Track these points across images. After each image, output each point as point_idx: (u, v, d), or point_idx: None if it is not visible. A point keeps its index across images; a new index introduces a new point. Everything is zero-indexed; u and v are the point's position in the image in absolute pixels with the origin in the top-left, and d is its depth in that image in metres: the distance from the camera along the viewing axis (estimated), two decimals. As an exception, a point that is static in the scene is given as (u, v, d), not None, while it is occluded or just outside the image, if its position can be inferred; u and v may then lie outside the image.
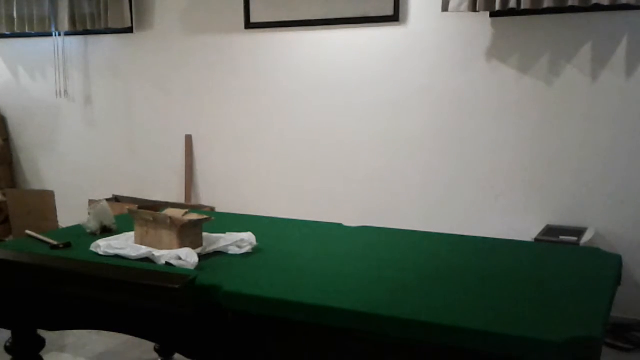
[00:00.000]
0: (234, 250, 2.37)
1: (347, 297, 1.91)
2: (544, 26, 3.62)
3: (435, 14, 3.83)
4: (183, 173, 4.80)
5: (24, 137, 5.49)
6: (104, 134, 5.09)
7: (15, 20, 5.08)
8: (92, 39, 5.05)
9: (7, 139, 5.52)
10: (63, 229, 3.04)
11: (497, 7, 3.51)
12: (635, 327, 3.43)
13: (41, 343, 2.47)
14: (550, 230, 3.56)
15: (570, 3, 3.35)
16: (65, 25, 4.88)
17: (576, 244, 3.27)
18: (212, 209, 4.38)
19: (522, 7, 3.44)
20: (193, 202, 4.76)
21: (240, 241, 2.40)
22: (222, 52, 4.57)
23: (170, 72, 4.77)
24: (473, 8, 3.58)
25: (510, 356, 1.62)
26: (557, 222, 3.68)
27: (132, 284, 2.05)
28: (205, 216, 2.43)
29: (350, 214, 4.04)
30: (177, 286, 1.99)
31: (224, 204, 4.55)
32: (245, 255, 2.35)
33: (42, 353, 2.48)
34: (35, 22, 5.01)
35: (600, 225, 3.59)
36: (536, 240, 3.37)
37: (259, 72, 4.46)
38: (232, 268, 2.22)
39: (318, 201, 4.33)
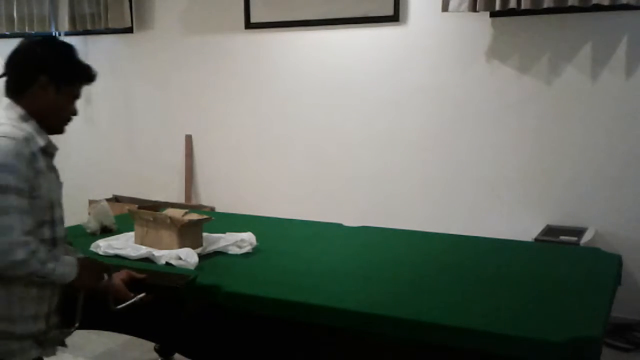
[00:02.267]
0: (234, 250, 2.37)
1: (347, 297, 1.91)
2: (544, 26, 3.62)
3: (435, 14, 3.83)
4: (183, 173, 4.80)
5: (24, 137, 5.48)
6: (104, 134, 5.09)
7: (15, 20, 5.08)
8: (92, 39, 5.04)
9: (7, 139, 5.52)
10: (63, 229, 3.03)
11: (497, 7, 3.51)
12: (635, 327, 3.43)
13: (41, 343, 2.47)
14: (550, 230, 3.55)
15: (570, 3, 3.34)
16: (65, 25, 4.88)
17: (576, 244, 3.27)
18: (212, 209, 4.38)
19: (522, 7, 3.44)
20: (193, 202, 4.76)
21: (240, 241, 2.40)
22: (222, 52, 4.57)
23: (170, 72, 4.77)
24: (473, 8, 3.58)
25: (511, 356, 1.62)
26: (557, 222, 3.67)
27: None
28: (205, 216, 2.43)
29: (350, 214, 4.03)
30: (177, 285, 1.99)
31: (224, 204, 4.55)
32: (245, 255, 2.35)
33: (42, 353, 2.48)
34: (35, 22, 5.01)
35: (600, 225, 3.59)
36: (536, 240, 3.37)
37: (259, 72, 4.46)
38: (232, 268, 2.22)
39: (318, 201, 4.33)
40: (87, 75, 1.87)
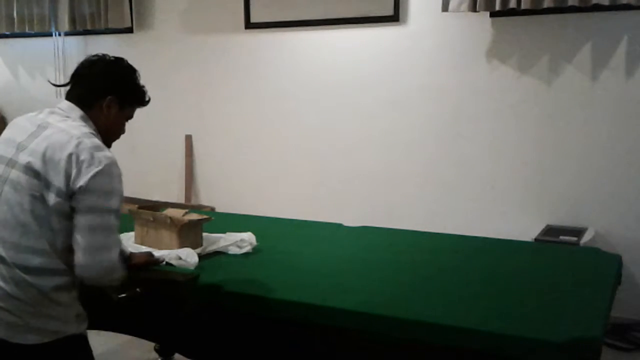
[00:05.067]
0: (234, 250, 2.37)
1: (347, 297, 1.91)
2: (544, 26, 3.62)
3: (435, 14, 3.83)
4: (183, 173, 4.80)
5: (24, 137, 5.47)
6: (104, 134, 5.07)
7: (15, 20, 5.07)
8: (92, 39, 5.04)
9: (7, 139, 5.52)
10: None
11: (497, 7, 3.51)
12: (635, 327, 3.43)
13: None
14: (550, 230, 3.55)
15: (570, 3, 3.34)
16: (65, 25, 4.87)
17: (576, 244, 3.27)
18: (212, 209, 4.38)
19: (522, 7, 3.44)
20: (193, 202, 4.76)
21: (240, 241, 2.40)
22: (222, 52, 4.56)
23: (170, 72, 4.77)
24: (473, 8, 3.58)
25: (511, 356, 1.62)
26: (557, 222, 3.67)
27: (134, 280, 2.04)
28: (205, 216, 2.43)
29: (350, 214, 4.03)
30: (180, 280, 2.00)
31: (224, 204, 4.55)
32: (245, 255, 2.35)
33: (42, 353, 2.48)
34: (35, 22, 5.00)
35: (600, 225, 3.59)
36: (536, 240, 3.37)
37: (259, 72, 4.46)
38: (232, 268, 2.22)
39: (318, 201, 4.33)
40: (144, 99, 2.03)
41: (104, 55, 1.92)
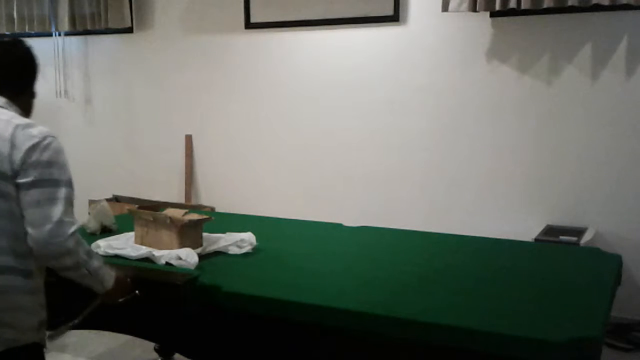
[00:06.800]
0: (234, 250, 2.37)
1: (347, 297, 1.91)
2: (544, 26, 3.62)
3: (435, 14, 3.83)
4: (183, 173, 4.80)
5: (24, 137, 5.47)
6: (104, 134, 5.09)
7: (15, 20, 5.08)
8: (92, 39, 5.04)
9: (7, 139, 5.51)
10: (63, 229, 3.03)
11: (497, 7, 3.51)
12: (635, 327, 3.43)
13: (41, 343, 2.47)
14: (550, 230, 3.56)
15: (570, 3, 3.35)
16: (65, 25, 4.87)
17: (576, 244, 3.27)
18: (212, 209, 4.38)
19: (522, 7, 3.44)
20: (193, 202, 4.76)
21: (240, 241, 2.40)
22: (222, 52, 4.57)
23: (170, 72, 4.77)
24: (473, 8, 3.58)
25: (511, 356, 1.62)
26: (557, 222, 3.68)
27: (135, 280, 2.04)
28: (205, 216, 2.43)
29: (350, 214, 4.04)
30: (178, 282, 2.00)
31: (224, 204, 4.55)
32: (245, 255, 2.35)
33: (42, 353, 2.48)
34: (35, 22, 5.01)
35: (600, 225, 3.59)
36: (536, 240, 3.37)
37: (259, 72, 4.46)
38: (232, 268, 2.22)
39: (318, 201, 4.33)
40: None
41: (4, 39, 1.89)
